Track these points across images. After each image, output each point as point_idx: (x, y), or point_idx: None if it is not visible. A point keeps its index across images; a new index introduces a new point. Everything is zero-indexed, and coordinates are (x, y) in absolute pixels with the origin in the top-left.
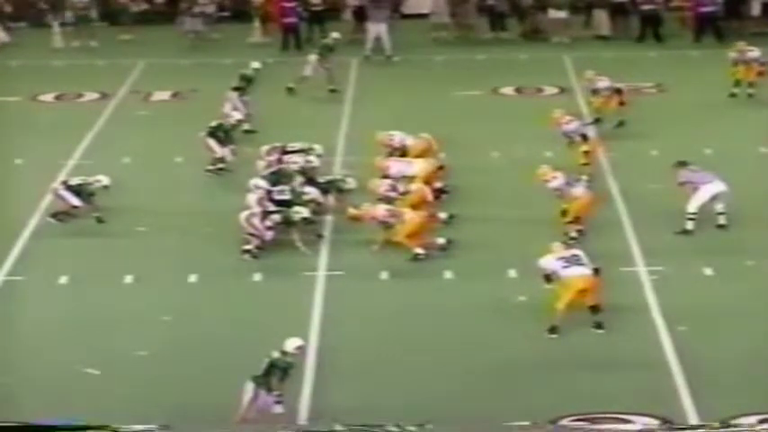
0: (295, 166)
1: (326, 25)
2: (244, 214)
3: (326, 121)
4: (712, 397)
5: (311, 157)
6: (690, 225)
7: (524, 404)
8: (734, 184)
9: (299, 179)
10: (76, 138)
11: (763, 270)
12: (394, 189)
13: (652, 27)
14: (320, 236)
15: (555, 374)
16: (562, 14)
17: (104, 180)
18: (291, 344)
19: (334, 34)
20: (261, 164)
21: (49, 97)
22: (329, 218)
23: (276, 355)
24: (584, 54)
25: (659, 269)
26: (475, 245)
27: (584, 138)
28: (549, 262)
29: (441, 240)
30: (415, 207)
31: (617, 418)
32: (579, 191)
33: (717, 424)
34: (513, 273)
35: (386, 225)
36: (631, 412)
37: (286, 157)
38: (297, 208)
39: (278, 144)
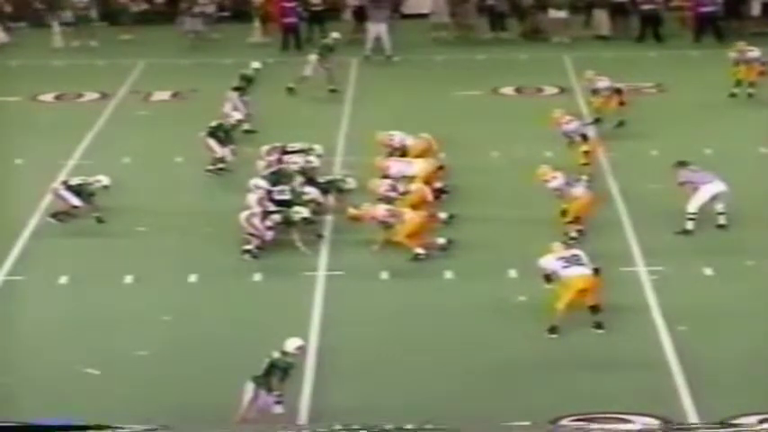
0: (295, 167)
1: (326, 25)
2: (244, 214)
3: (326, 121)
4: (712, 397)
5: (311, 157)
6: (690, 225)
7: (524, 404)
8: (734, 184)
9: (299, 179)
10: (76, 138)
11: (763, 270)
12: (394, 189)
13: (652, 27)
14: (320, 236)
15: (555, 374)
16: (562, 14)
17: (104, 180)
18: (292, 344)
19: (334, 34)
20: (261, 164)
21: (49, 97)
22: (329, 218)
23: (276, 355)
24: (584, 54)
25: (659, 269)
26: (475, 245)
27: (584, 138)
28: (549, 262)
29: (441, 240)
30: (415, 207)
31: (617, 418)
32: (579, 191)
33: (717, 424)
34: (513, 273)
35: (386, 225)
36: (631, 412)
37: (286, 158)
38: (297, 208)
39: (278, 144)
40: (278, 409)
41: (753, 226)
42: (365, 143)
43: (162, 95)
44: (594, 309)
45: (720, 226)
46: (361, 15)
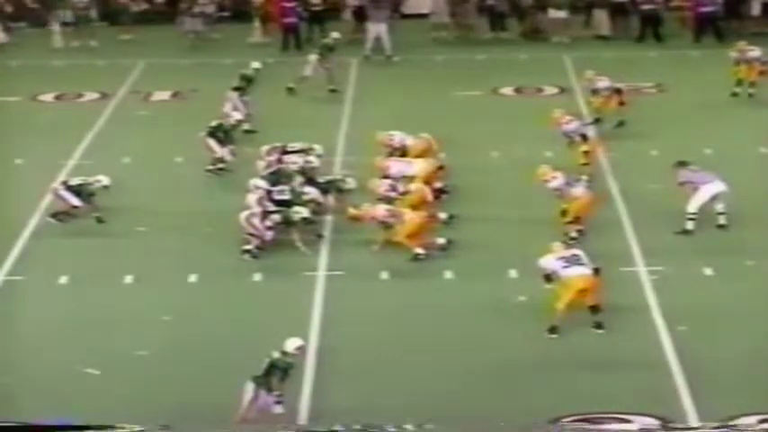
0: (294, 167)
1: (326, 25)
2: (244, 214)
3: (326, 121)
4: (712, 397)
5: (311, 158)
6: (690, 225)
7: (524, 404)
8: (734, 184)
9: (298, 179)
10: (76, 138)
11: (763, 270)
12: (394, 189)
13: (652, 27)
14: (320, 236)
15: (555, 374)
16: (562, 14)
17: (104, 180)
18: (292, 344)
19: (334, 34)
20: (261, 164)
21: (49, 97)
22: (329, 218)
23: (276, 355)
24: (584, 54)
25: (659, 269)
26: (475, 245)
27: (584, 138)
28: (549, 262)
29: (441, 240)
30: (415, 207)
31: (617, 418)
32: (579, 191)
33: (717, 424)
34: (513, 273)
35: (386, 225)
36: (631, 412)
37: (286, 158)
38: (297, 208)
39: (278, 144)
40: (278, 409)
41: (753, 226)
42: (365, 143)
43: (162, 95)
44: (594, 309)
45: (720, 226)
46: (361, 15)
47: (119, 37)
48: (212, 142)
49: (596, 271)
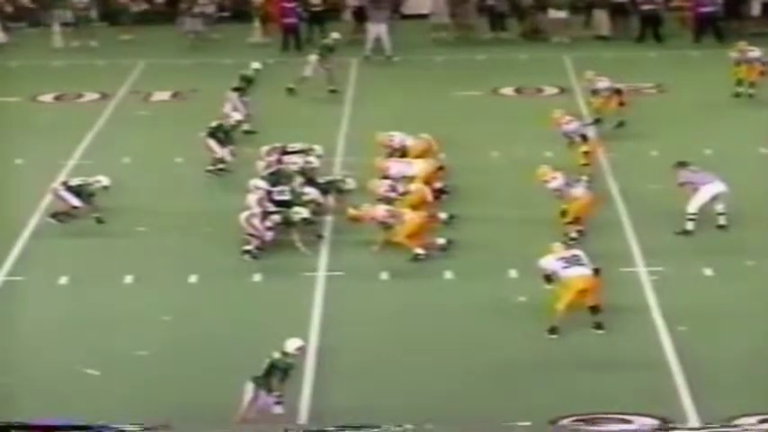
0: (294, 167)
1: (326, 25)
2: (244, 215)
3: (326, 122)
4: (712, 397)
5: (311, 158)
6: (690, 225)
7: (524, 404)
8: (734, 185)
9: (298, 180)
10: (76, 138)
11: (763, 270)
12: (394, 189)
13: (652, 27)
14: (320, 236)
15: (555, 374)
16: (562, 14)
17: (104, 180)
18: (292, 344)
19: (334, 34)
20: (261, 164)
21: (48, 97)
22: (329, 218)
23: (277, 355)
24: (584, 54)
25: (659, 269)
26: (475, 245)
27: (584, 138)
28: (549, 262)
29: (441, 240)
30: (415, 207)
31: (617, 418)
32: (579, 191)
33: (717, 424)
34: (513, 273)
35: (386, 225)
36: (631, 412)
37: (286, 158)
38: (297, 208)
39: (278, 144)
40: (278, 410)
41: (753, 226)
42: (365, 143)
43: (162, 95)
44: (594, 309)
45: (720, 226)
46: (361, 16)
47: (119, 37)
48: (212, 143)
49: (596, 271)
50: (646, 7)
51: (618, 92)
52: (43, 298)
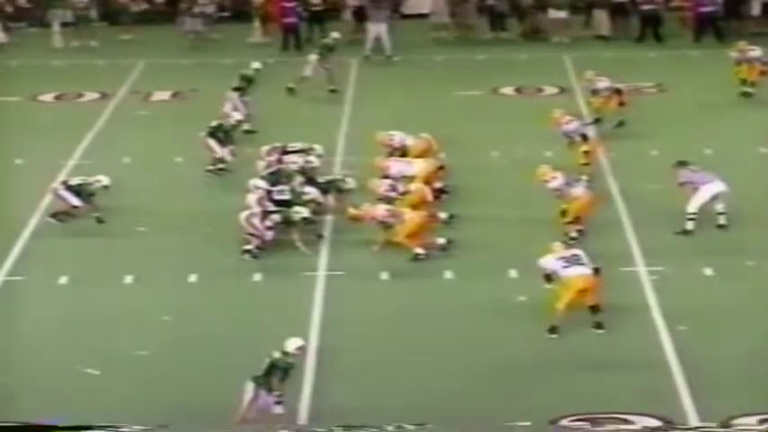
0: (294, 166)
1: (326, 25)
2: (244, 214)
3: (326, 121)
4: (712, 397)
5: (311, 158)
6: (690, 225)
7: (524, 404)
8: (734, 184)
9: (298, 179)
10: (76, 138)
11: (763, 270)
12: (394, 189)
13: (652, 27)
14: (320, 236)
15: (555, 374)
16: (562, 14)
17: (104, 180)
18: (292, 344)
19: (334, 34)
20: (261, 164)
21: (49, 97)
22: (329, 218)
23: (277, 355)
24: (584, 54)
25: (659, 269)
26: (475, 245)
27: (584, 138)
28: (549, 262)
29: (441, 240)
30: (415, 207)
31: (617, 418)
32: (579, 191)
33: (717, 424)
34: (513, 273)
35: (386, 225)
36: (631, 412)
37: (286, 158)
38: (297, 208)
39: (278, 144)
40: (278, 410)
41: (753, 226)
42: (365, 143)
43: (162, 95)
44: (594, 309)
45: (720, 226)
46: (361, 15)
47: (119, 37)
48: (212, 142)
49: (596, 271)
50: (646, 7)
51: (618, 92)
52: (43, 298)
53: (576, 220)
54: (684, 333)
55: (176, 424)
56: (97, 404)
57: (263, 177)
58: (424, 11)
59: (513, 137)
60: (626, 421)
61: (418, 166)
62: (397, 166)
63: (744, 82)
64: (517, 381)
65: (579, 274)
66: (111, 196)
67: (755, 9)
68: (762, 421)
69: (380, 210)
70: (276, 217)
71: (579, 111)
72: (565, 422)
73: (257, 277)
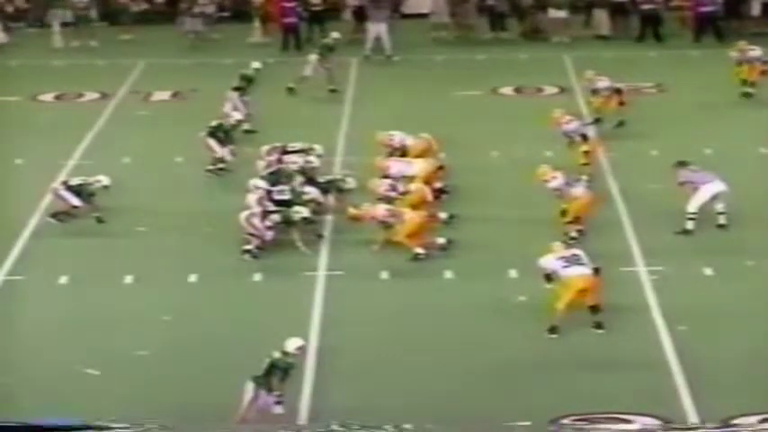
0: (294, 166)
1: (326, 25)
2: (244, 214)
3: (326, 121)
4: (712, 397)
5: (311, 157)
6: (690, 225)
7: (524, 404)
8: (734, 184)
9: (299, 179)
10: (76, 138)
11: (763, 270)
12: (394, 189)
13: (652, 27)
14: (320, 236)
15: (555, 374)
16: (562, 14)
17: (104, 180)
18: (292, 344)
19: (334, 34)
20: (261, 164)
21: (49, 97)
22: (329, 218)
23: (277, 355)
24: (584, 54)
25: (659, 269)
26: (475, 245)
27: (584, 138)
28: (549, 262)
29: (441, 240)
30: (415, 207)
31: (617, 418)
32: (579, 191)
33: (717, 424)
34: (513, 273)
35: (386, 225)
36: (631, 412)
37: (286, 158)
38: (297, 208)
39: (278, 144)
40: (278, 410)
41: (753, 226)
42: (365, 143)
43: (162, 95)
44: (594, 309)
45: (720, 226)
46: (361, 15)
47: (119, 37)
48: (212, 142)
49: (596, 271)
50: (646, 7)
51: (618, 91)
52: (43, 298)
53: (576, 220)
54: (684, 333)
55: (176, 424)
56: (97, 404)
57: (263, 177)
58: (424, 11)
59: (513, 137)
60: (626, 421)
61: (418, 166)
62: (397, 166)
63: (744, 82)
64: (517, 381)
65: (579, 274)
66: (111, 196)
67: (755, 9)
68: (762, 421)
69: (380, 210)
70: (276, 217)
71: (579, 111)
72: (565, 422)
73: (257, 277)
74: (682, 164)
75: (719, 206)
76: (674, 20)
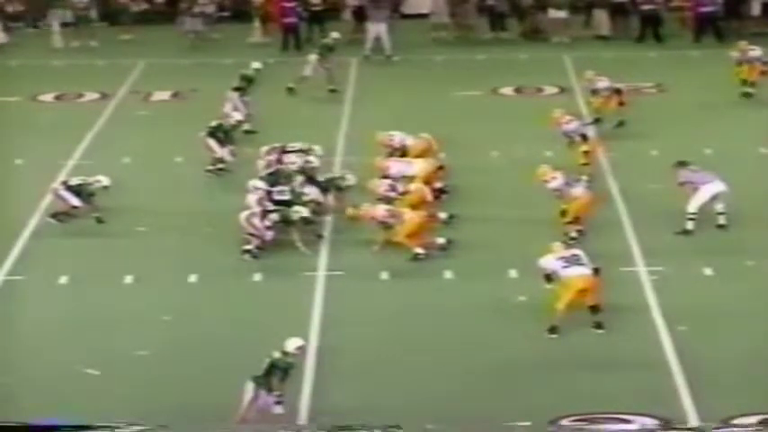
0: (294, 166)
1: (326, 25)
2: (244, 214)
3: (326, 121)
4: (712, 397)
5: (311, 157)
6: (690, 225)
7: (524, 404)
8: (734, 184)
9: (298, 179)
10: (76, 138)
11: (763, 270)
12: (394, 189)
13: (652, 27)
14: (320, 236)
15: (555, 374)
16: (562, 14)
17: (104, 180)
18: (292, 344)
19: (334, 34)
20: (261, 164)
21: (49, 97)
22: (329, 218)
23: (277, 355)
24: (584, 54)
25: (659, 269)
26: (475, 245)
27: (584, 138)
28: (549, 262)
29: (441, 240)
30: (414, 207)
31: (617, 418)
32: (579, 191)
33: (717, 424)
34: (513, 273)
35: (385, 225)
36: (631, 412)
37: (285, 158)
38: (296, 207)
39: (278, 144)
40: (278, 410)
41: (753, 226)
42: (365, 143)
43: (162, 95)
44: (594, 309)
45: (720, 226)
46: (360, 15)
47: (119, 37)
48: (212, 142)
49: (596, 271)
50: (646, 7)
51: (618, 91)
52: (43, 298)
53: (576, 220)
54: (684, 333)
55: (176, 424)
56: (97, 404)
57: (262, 178)
58: (424, 11)
59: (513, 137)
60: (626, 421)
61: (418, 166)
62: (396, 166)
63: (744, 82)
64: (517, 381)
65: (579, 274)
66: (111, 196)
67: (755, 9)
68: (762, 421)
69: (380, 210)
70: (274, 216)
71: (579, 111)
72: (565, 422)
73: (257, 277)
74: (682, 164)
75: (719, 206)
76: (674, 20)
